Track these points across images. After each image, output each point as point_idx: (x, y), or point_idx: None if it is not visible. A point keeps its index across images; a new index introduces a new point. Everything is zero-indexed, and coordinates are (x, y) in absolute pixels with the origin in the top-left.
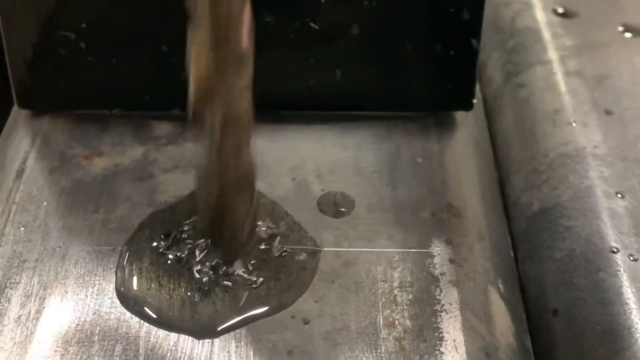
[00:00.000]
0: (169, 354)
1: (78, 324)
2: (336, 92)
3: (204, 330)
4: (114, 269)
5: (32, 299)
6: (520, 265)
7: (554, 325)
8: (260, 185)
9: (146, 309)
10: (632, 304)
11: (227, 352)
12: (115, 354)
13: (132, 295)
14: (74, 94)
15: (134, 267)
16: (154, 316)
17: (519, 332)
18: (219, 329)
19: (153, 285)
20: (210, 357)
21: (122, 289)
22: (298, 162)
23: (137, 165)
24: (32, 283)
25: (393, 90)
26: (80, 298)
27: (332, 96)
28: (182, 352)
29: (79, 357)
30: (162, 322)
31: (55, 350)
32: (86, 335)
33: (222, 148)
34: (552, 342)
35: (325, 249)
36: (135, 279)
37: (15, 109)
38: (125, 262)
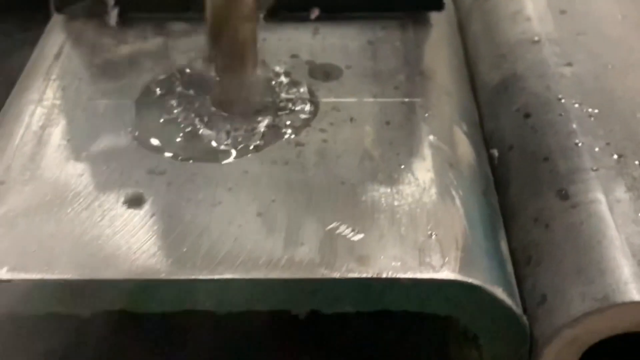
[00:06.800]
0: None
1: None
2: None
3: None
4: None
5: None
6: (485, 125)
7: (510, 157)
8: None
9: None
10: (574, 126)
11: None
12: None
13: None
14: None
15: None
16: None
17: (480, 160)
18: None
19: None
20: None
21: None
22: (294, 47)
23: (159, 49)
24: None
25: None
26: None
27: None
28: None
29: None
30: None
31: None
32: None
33: None
34: (508, 171)
35: (318, 99)
36: None
37: (53, 17)
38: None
